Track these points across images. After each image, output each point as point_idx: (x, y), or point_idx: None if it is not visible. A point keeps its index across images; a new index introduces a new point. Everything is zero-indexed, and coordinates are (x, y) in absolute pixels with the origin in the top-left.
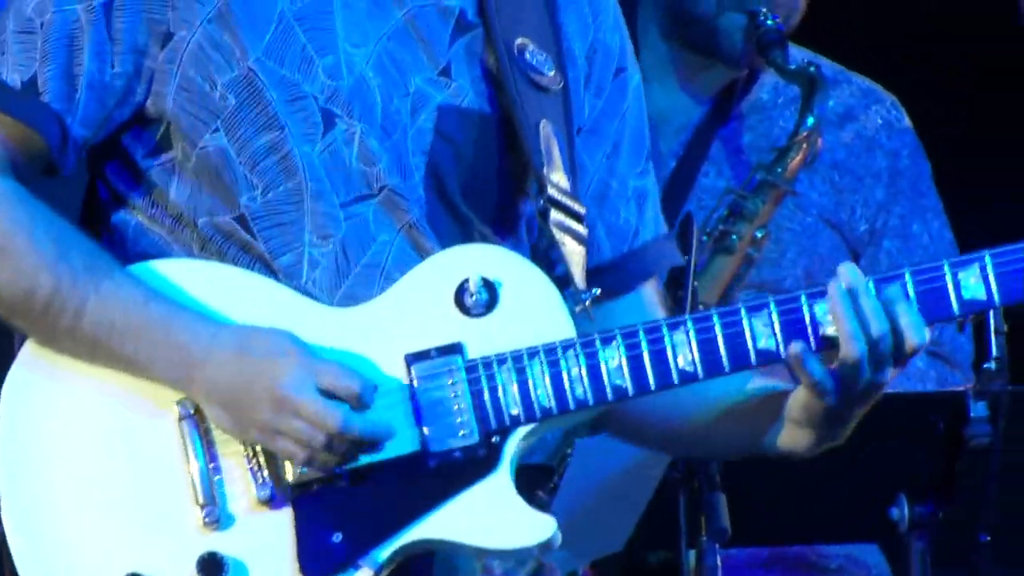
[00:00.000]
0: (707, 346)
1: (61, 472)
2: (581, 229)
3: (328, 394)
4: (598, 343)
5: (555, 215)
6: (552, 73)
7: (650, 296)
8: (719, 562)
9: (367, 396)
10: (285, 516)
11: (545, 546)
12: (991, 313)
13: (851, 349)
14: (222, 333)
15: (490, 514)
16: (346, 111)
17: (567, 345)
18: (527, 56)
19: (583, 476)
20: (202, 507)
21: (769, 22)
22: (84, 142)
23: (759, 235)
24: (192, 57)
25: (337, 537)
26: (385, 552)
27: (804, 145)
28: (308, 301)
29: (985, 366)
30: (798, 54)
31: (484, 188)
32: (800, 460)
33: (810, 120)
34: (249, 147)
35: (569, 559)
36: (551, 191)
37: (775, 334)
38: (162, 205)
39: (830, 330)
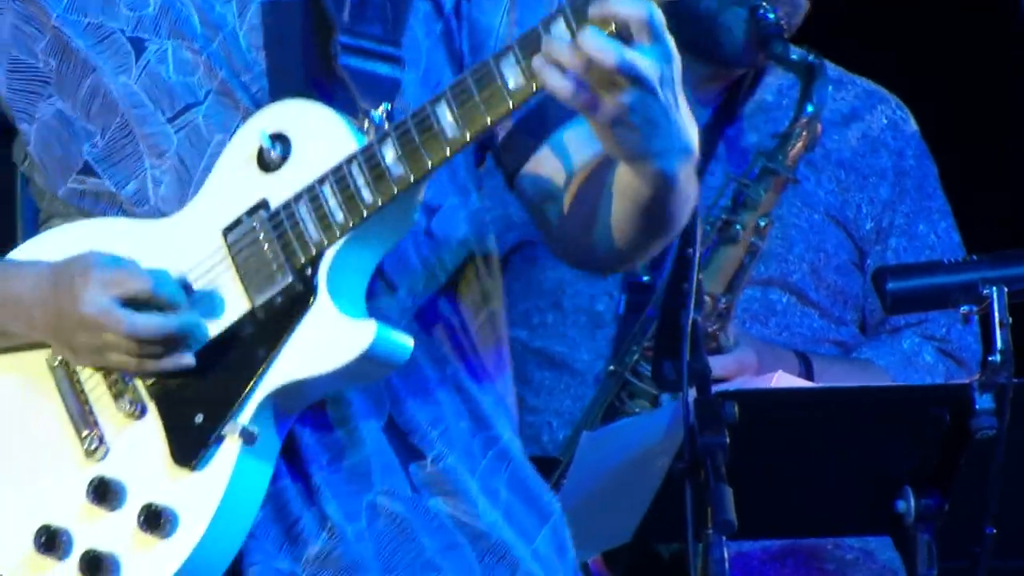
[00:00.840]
0: (466, 106)
1: None
2: (387, 70)
3: (128, 301)
4: (375, 145)
5: (349, 59)
6: None
7: (580, 133)
8: (726, 554)
9: (161, 289)
10: (152, 419)
11: (373, 359)
12: (996, 306)
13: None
14: (43, 273)
15: (319, 341)
16: (155, 32)
17: (349, 159)
18: None
19: (590, 467)
20: (81, 440)
21: (770, 15)
22: None
23: (762, 224)
24: (12, 38)
25: (199, 417)
26: (243, 415)
27: (804, 133)
28: (144, 221)
29: (990, 358)
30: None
31: (321, 69)
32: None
33: (809, 108)
34: (78, 99)
35: (577, 551)
36: (344, 36)
37: (523, 70)
38: (47, 197)
39: None
